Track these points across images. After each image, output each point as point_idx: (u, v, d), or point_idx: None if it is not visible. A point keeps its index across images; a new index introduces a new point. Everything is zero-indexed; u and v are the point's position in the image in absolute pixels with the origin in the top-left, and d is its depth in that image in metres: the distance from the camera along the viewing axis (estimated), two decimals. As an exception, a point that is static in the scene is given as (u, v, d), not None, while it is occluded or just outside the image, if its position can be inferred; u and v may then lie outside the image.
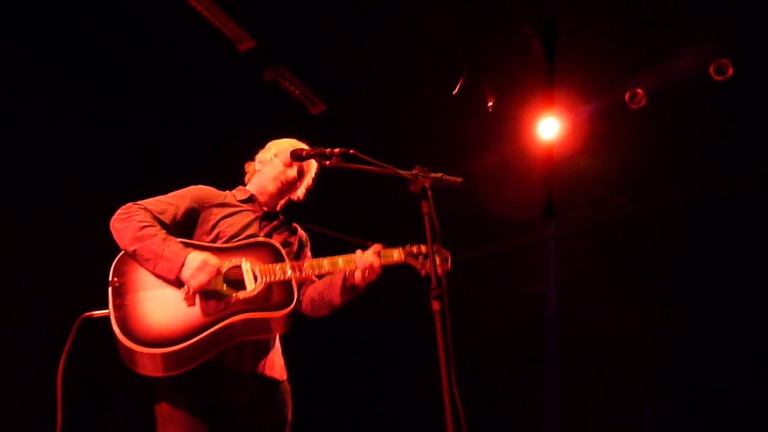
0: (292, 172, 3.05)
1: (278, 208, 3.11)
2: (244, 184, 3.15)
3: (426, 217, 2.32)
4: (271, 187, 3.03)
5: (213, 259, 2.57)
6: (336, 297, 2.91)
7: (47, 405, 2.57)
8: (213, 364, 2.56)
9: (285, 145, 3.09)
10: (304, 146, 3.05)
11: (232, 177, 3.16)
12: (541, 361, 6.44)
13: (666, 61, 5.21)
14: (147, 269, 2.57)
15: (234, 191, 3.05)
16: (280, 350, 2.87)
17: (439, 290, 2.12)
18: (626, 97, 5.47)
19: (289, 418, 2.79)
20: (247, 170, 3.19)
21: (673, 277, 6.04)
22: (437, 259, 2.84)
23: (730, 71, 5.08)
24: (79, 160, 4.79)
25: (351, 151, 2.65)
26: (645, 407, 5.91)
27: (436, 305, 2.09)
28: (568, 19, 4.98)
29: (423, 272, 2.92)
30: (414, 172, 2.41)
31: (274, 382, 2.77)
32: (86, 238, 4.35)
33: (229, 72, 5.31)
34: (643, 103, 5.44)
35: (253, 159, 3.17)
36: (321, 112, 5.73)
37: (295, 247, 3.04)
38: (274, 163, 3.05)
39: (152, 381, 2.57)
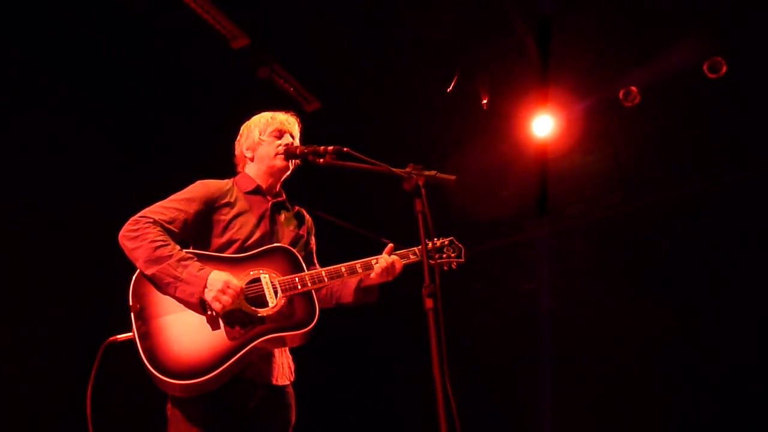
0: (287, 138, 3.00)
1: (279, 187, 3.03)
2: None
3: (419, 215, 2.32)
4: (278, 163, 2.96)
5: (234, 280, 2.53)
6: (347, 295, 2.94)
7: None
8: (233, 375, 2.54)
9: (263, 120, 3.04)
10: (279, 114, 3.04)
11: (226, 175, 3.13)
12: (535, 358, 6.44)
13: (660, 59, 5.22)
14: (167, 293, 2.51)
15: (237, 180, 2.98)
16: (288, 350, 2.86)
17: (433, 288, 2.11)
18: (620, 94, 5.48)
19: (293, 420, 2.79)
20: (238, 163, 3.10)
21: (667, 274, 6.05)
22: (452, 254, 3.13)
23: (724, 69, 5.09)
24: (75, 160, 4.78)
25: (345, 149, 2.65)
26: (639, 405, 5.91)
27: (429, 303, 2.09)
28: (562, 17, 4.99)
29: (438, 267, 3.05)
30: (408, 170, 2.41)
31: (282, 388, 2.77)
32: (95, 250, 4.39)
33: (224, 69, 5.30)
34: (637, 100, 5.45)
35: (233, 152, 3.10)
36: (315, 109, 5.71)
37: (305, 238, 3.02)
38: (266, 141, 2.98)
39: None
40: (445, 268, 3.11)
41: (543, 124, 5.72)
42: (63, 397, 3.61)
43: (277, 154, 2.96)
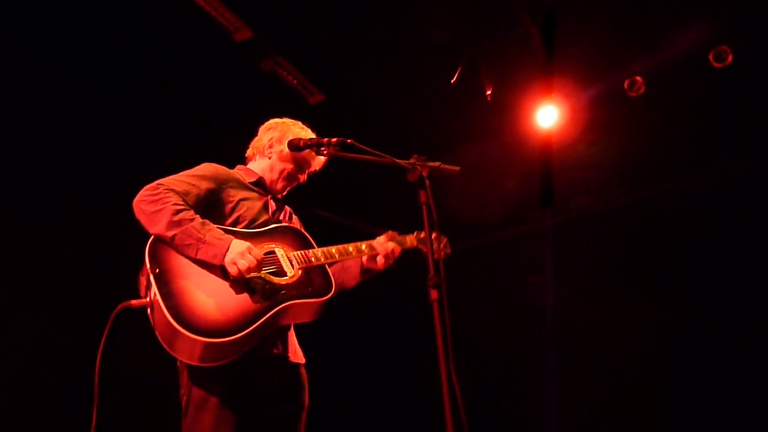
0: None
1: (284, 193, 3.11)
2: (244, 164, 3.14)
3: (424, 207, 2.31)
4: (285, 176, 3.03)
5: (256, 249, 2.58)
6: (350, 280, 3.05)
7: (86, 395, 2.54)
8: (251, 349, 2.54)
9: (280, 127, 3.09)
10: (296, 126, 3.09)
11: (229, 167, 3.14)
12: (539, 351, 6.44)
13: (665, 48, 5.18)
14: (187, 255, 2.52)
15: (239, 170, 3.03)
16: (294, 334, 2.91)
17: (437, 279, 2.11)
18: (625, 84, 5.44)
19: (306, 403, 2.82)
20: (248, 159, 3.14)
21: (672, 266, 6.04)
22: (438, 245, 3.07)
23: (730, 58, 5.06)
24: (76, 151, 4.77)
25: (348, 141, 2.67)
26: (643, 398, 5.91)
27: (434, 294, 2.09)
28: (566, 6, 4.96)
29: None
30: (412, 161, 2.41)
31: (297, 367, 2.82)
32: (104, 232, 4.42)
33: (226, 62, 5.28)
34: (642, 90, 5.42)
35: (254, 138, 3.15)
36: (319, 102, 5.70)
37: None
38: (286, 154, 3.01)
39: (181, 365, 2.57)
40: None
41: (547, 115, 5.70)
42: (73, 363, 3.59)
43: (292, 169, 3.01)
